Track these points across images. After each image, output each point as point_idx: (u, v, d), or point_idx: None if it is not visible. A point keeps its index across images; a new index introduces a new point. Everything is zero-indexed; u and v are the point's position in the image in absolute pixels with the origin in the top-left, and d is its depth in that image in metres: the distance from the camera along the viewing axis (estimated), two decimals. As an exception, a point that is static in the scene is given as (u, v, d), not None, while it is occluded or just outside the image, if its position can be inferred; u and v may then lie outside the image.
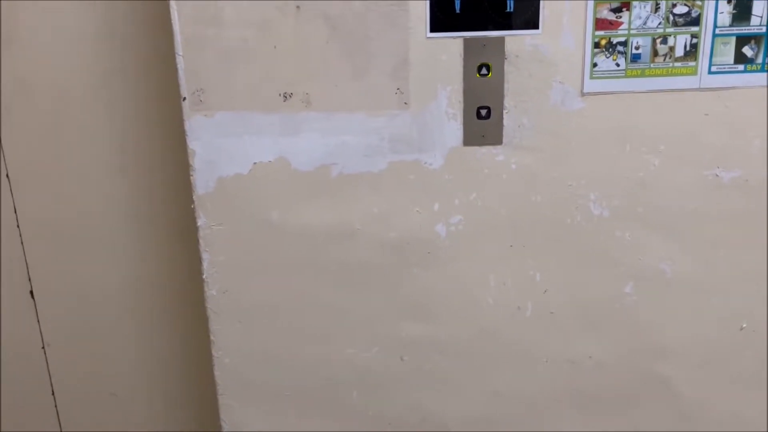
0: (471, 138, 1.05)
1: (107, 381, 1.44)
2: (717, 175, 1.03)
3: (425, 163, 1.06)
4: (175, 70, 1.03)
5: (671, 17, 0.97)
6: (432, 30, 1.00)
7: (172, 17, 1.00)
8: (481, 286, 1.11)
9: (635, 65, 0.99)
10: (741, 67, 0.98)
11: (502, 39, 0.99)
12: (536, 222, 1.07)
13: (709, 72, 0.99)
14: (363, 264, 1.11)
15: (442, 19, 0.99)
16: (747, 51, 0.97)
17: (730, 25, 0.96)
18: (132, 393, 1.45)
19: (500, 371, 1.15)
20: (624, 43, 0.98)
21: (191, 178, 1.09)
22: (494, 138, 1.04)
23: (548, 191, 1.06)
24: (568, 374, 1.14)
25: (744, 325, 1.09)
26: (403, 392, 1.18)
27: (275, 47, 1.01)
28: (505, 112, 1.03)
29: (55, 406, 1.48)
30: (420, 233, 1.09)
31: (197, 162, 1.08)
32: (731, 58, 0.98)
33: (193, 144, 1.08)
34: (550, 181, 1.05)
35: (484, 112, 1.03)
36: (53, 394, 1.47)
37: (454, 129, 1.04)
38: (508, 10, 0.98)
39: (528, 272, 1.10)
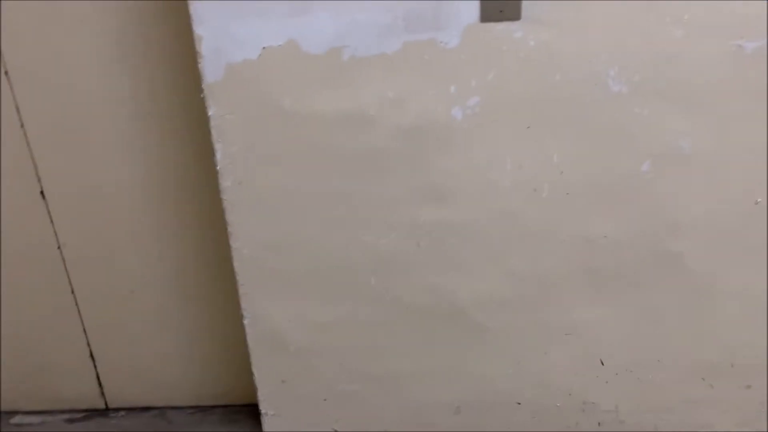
0: (488, 14, 1.01)
1: (124, 278, 1.46)
2: (740, 46, 1.00)
3: (441, 42, 1.03)
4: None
5: None
6: None
7: None
8: (497, 169, 1.11)
9: (662, -72, 0.94)
10: (773, -73, 0.93)
11: None
12: (554, 101, 1.05)
13: (739, -66, 0.94)
14: (378, 150, 1.10)
15: None
16: None
17: None
18: (150, 289, 1.47)
19: (516, 252, 1.17)
20: None
21: (199, 65, 1.06)
22: (512, 13, 1.00)
23: (567, 68, 1.03)
24: (583, 253, 1.16)
25: (759, 200, 1.10)
26: (420, 276, 1.21)
27: None
28: (523, -16, 0.98)
29: (76, 304, 1.51)
30: (436, 117, 1.08)
31: (205, 48, 1.05)
32: None
33: (199, 29, 1.04)
34: (569, 58, 1.02)
35: (501, -15, 0.99)
36: (73, 292, 1.49)
37: (470, 4, 1.00)
38: None
39: (545, 153, 1.09)
